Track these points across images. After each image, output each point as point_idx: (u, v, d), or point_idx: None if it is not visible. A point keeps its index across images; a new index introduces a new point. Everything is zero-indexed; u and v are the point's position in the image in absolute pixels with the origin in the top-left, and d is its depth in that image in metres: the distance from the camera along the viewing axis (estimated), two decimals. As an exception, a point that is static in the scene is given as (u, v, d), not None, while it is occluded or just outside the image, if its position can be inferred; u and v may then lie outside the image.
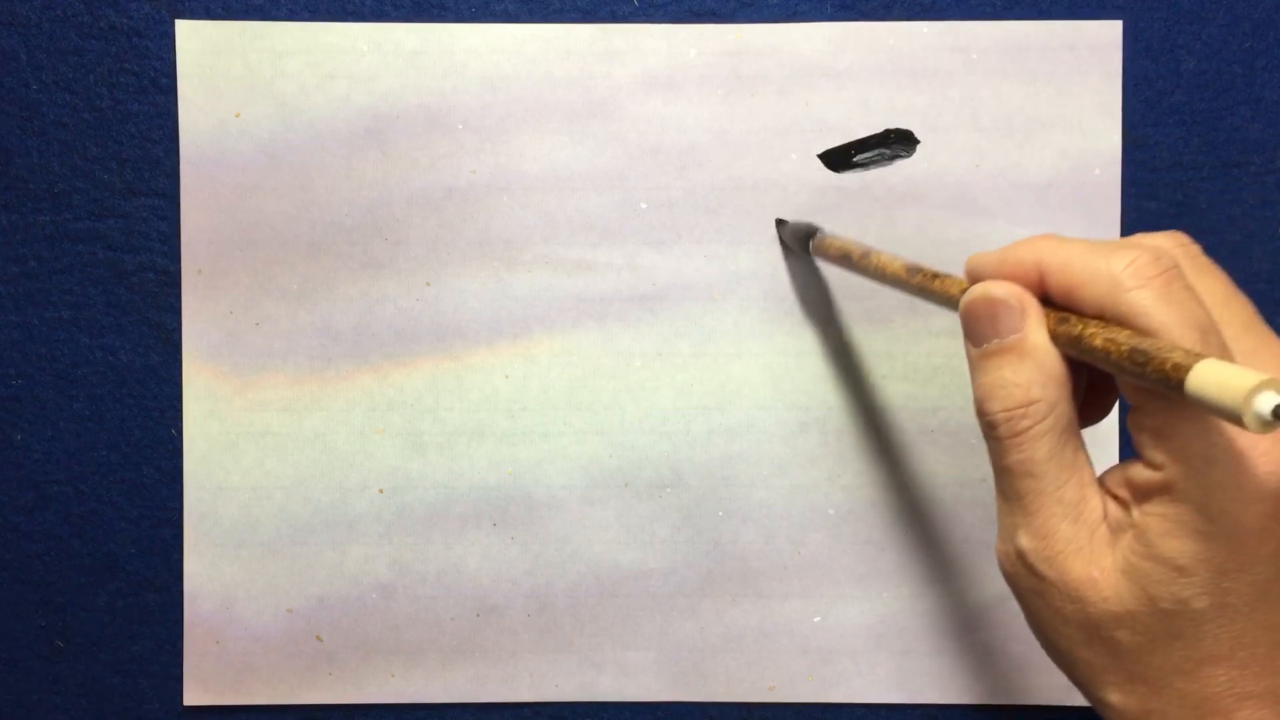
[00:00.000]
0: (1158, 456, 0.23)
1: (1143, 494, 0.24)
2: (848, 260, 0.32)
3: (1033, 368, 0.24)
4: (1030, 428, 0.24)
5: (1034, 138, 0.37)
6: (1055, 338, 0.24)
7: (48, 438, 0.37)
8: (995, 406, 0.25)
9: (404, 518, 0.37)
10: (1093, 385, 0.27)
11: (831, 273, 0.37)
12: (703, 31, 0.37)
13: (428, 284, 0.37)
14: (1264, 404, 0.19)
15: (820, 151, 0.37)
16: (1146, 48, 0.37)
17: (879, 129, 0.37)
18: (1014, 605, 0.37)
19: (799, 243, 0.35)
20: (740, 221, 0.37)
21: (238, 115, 0.37)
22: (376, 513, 0.37)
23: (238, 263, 0.37)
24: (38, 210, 0.37)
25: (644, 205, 0.37)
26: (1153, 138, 0.37)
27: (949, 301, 0.27)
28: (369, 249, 0.37)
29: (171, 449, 0.37)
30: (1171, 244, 0.25)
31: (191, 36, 0.36)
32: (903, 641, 0.37)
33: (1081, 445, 0.25)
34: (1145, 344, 0.22)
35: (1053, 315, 0.25)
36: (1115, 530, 0.24)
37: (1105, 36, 0.37)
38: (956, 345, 0.37)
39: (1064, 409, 0.24)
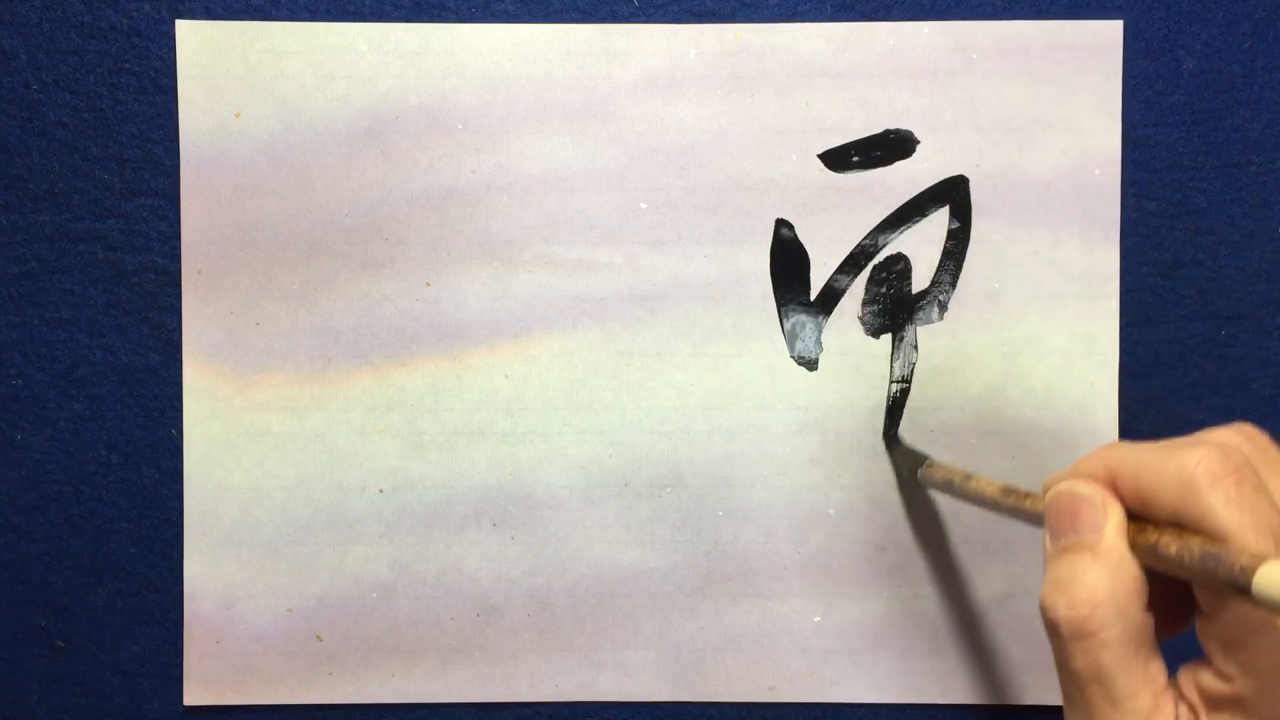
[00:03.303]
0: (1228, 668, 0.23)
1: (1212, 704, 0.23)
2: (951, 486, 0.32)
3: (1105, 569, 0.24)
4: (1096, 632, 0.23)
5: (1034, 138, 0.37)
6: (1134, 547, 0.24)
7: (48, 438, 0.37)
8: (1060, 602, 0.24)
9: (404, 518, 0.37)
10: (1180, 598, 0.26)
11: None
12: (703, 31, 0.37)
13: (428, 284, 0.37)
14: None
15: (820, 151, 0.37)
16: (1146, 48, 0.37)
17: (879, 129, 0.37)
18: (1014, 605, 0.37)
19: (909, 470, 0.36)
20: (740, 221, 0.37)
21: (238, 115, 0.37)
22: (376, 513, 0.37)
23: (238, 263, 0.37)
24: (38, 210, 0.37)
25: (644, 205, 0.37)
26: (1153, 138, 0.37)
27: (1039, 519, 0.27)
28: (369, 249, 0.37)
29: (171, 449, 0.37)
30: (1239, 438, 0.25)
31: (191, 36, 0.36)
32: (903, 641, 0.37)
33: (1156, 652, 0.24)
34: (1216, 549, 0.21)
35: (1133, 525, 0.24)
36: None
37: (1105, 36, 0.37)
38: (955, 345, 0.37)
39: (1135, 617, 0.24)
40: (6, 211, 0.37)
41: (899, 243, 0.37)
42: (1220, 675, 0.23)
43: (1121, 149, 0.37)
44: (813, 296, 0.37)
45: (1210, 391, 0.37)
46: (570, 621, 0.37)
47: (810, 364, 0.37)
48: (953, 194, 0.37)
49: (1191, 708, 0.23)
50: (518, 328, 0.37)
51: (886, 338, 0.37)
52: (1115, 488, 0.25)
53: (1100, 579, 0.24)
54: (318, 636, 0.37)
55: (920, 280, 0.37)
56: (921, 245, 0.37)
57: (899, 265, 0.37)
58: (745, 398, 0.37)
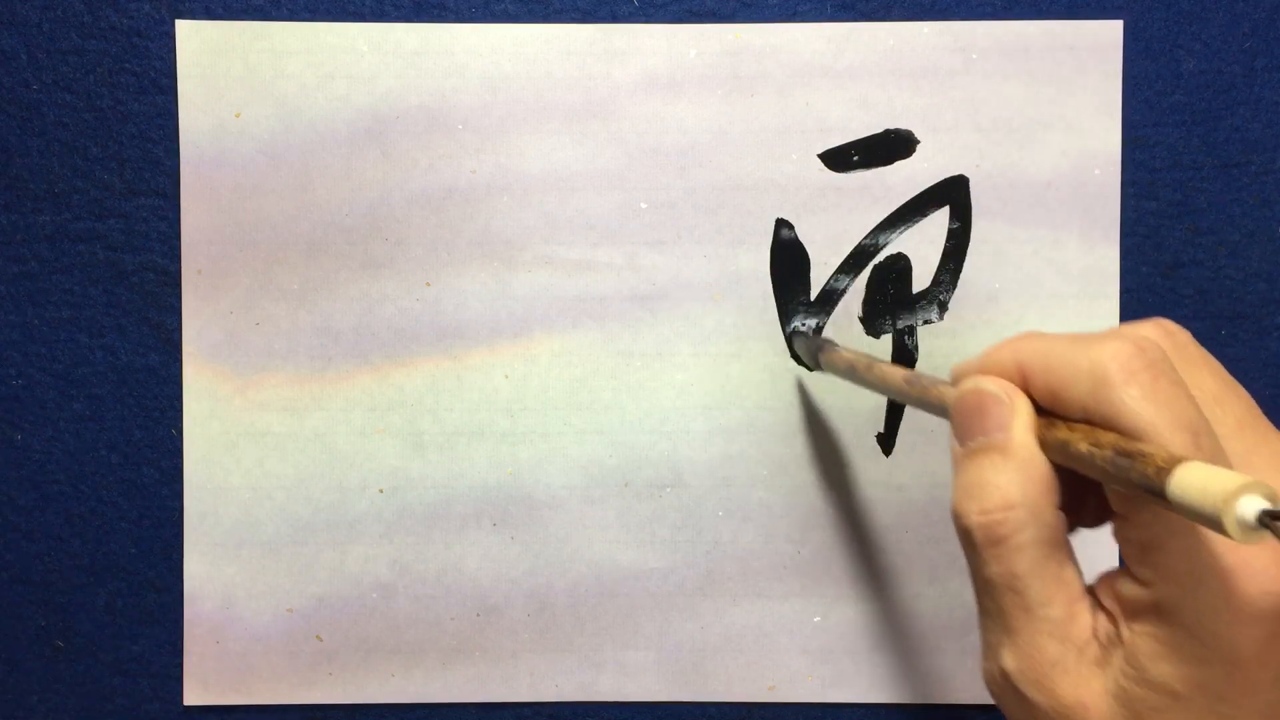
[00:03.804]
0: (1145, 573, 0.21)
1: (1132, 611, 0.22)
2: (853, 372, 0.31)
3: (1016, 469, 0.22)
4: (1009, 536, 0.22)
5: (1034, 138, 0.37)
6: (1044, 444, 0.23)
7: (48, 438, 0.37)
8: (972, 508, 0.23)
9: (404, 518, 0.37)
10: (1097, 493, 0.25)
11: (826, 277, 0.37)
12: (703, 31, 0.37)
13: (428, 284, 0.37)
14: (1246, 508, 0.17)
15: (820, 151, 0.37)
16: (1146, 48, 0.37)
17: (879, 129, 0.37)
18: (1014, 605, 0.37)
19: (810, 356, 0.35)
20: (740, 221, 0.37)
21: (238, 115, 0.37)
22: (376, 513, 0.37)
23: (238, 263, 0.37)
24: (38, 210, 0.37)
25: (644, 205, 0.37)
26: (1153, 138, 0.37)
27: (944, 410, 0.25)
28: (369, 249, 0.37)
29: (171, 449, 0.37)
30: (1158, 333, 0.23)
31: (191, 36, 0.36)
32: (903, 641, 0.37)
33: (1070, 556, 0.23)
34: (1129, 447, 0.20)
35: (1042, 421, 0.23)
36: (1106, 647, 0.22)
37: (1105, 36, 0.37)
38: (955, 345, 0.37)
39: (1048, 518, 0.22)
40: (6, 211, 0.37)
41: (899, 243, 0.37)
42: (1138, 580, 0.22)
43: (1121, 149, 0.37)
44: (813, 296, 0.37)
45: (1210, 391, 0.37)
46: (570, 621, 0.37)
47: (810, 364, 0.37)
48: (953, 194, 0.37)
49: (1111, 617, 0.22)
50: (518, 328, 0.37)
51: (887, 338, 0.37)
52: (1025, 381, 0.23)
53: (1011, 481, 0.22)
54: (318, 636, 0.37)
55: (920, 280, 0.37)
56: (921, 245, 0.37)
57: (899, 265, 0.37)
58: (745, 398, 0.37)
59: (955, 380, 0.25)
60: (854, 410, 0.37)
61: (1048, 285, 0.37)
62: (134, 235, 0.37)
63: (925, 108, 0.37)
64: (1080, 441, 0.21)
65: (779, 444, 0.37)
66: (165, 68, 0.37)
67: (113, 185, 0.37)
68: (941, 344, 0.37)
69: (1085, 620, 0.22)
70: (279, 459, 0.37)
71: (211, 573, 0.37)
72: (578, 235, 0.37)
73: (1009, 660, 0.23)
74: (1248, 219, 0.37)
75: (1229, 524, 0.17)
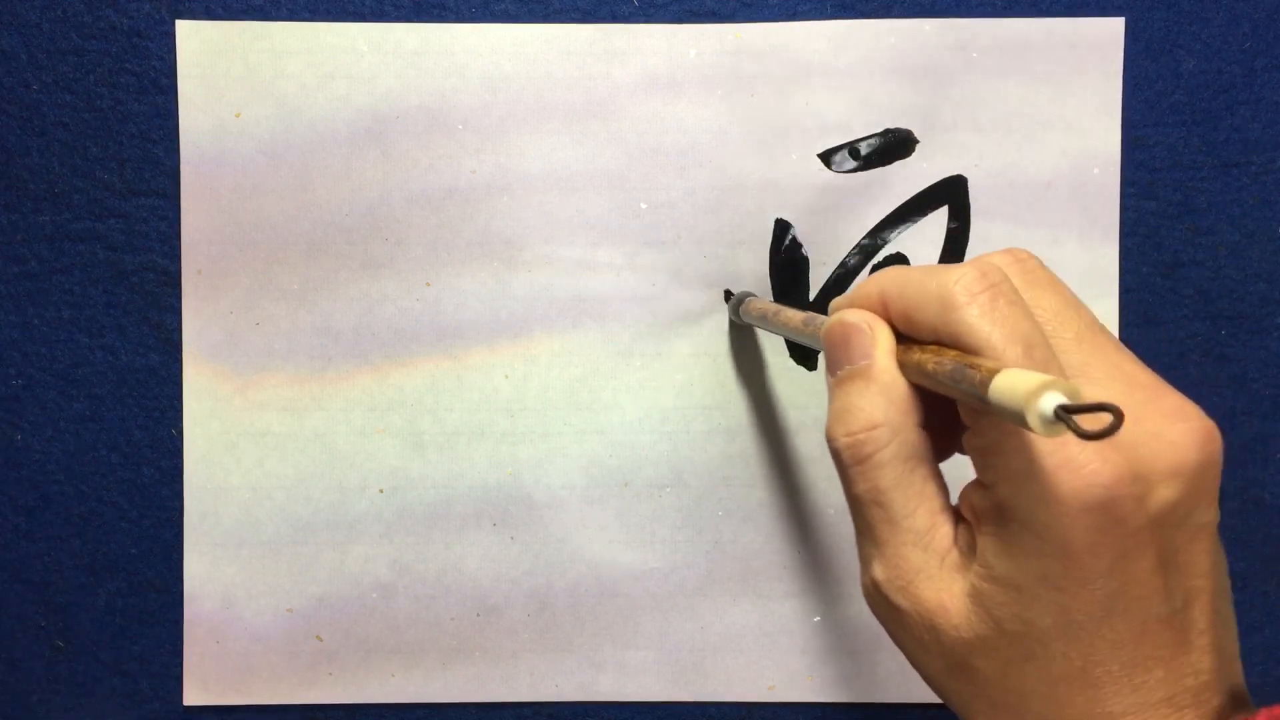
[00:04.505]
0: (989, 476, 0.23)
1: (981, 515, 0.23)
2: (765, 319, 0.32)
3: (878, 392, 0.24)
4: (873, 454, 0.24)
5: (1034, 138, 0.37)
6: (904, 367, 0.25)
7: (48, 438, 0.37)
8: (839, 430, 0.25)
9: (404, 518, 0.37)
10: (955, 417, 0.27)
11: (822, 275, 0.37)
12: (703, 31, 0.37)
13: (428, 284, 0.37)
14: (1046, 404, 0.19)
15: (820, 151, 0.37)
16: (1147, 47, 0.37)
17: (879, 128, 0.37)
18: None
19: (735, 312, 0.36)
20: (740, 221, 0.37)
21: (238, 115, 0.37)
22: (376, 513, 0.37)
23: (238, 263, 0.37)
24: (38, 210, 0.37)
25: (644, 205, 0.37)
26: (1153, 138, 0.37)
27: None
28: (369, 249, 0.37)
29: (171, 449, 0.37)
30: (1006, 260, 0.25)
31: (191, 36, 0.36)
32: (903, 641, 0.37)
33: (934, 473, 0.25)
34: (965, 361, 0.22)
35: (901, 346, 0.25)
36: (966, 554, 0.24)
37: (1106, 35, 0.37)
38: (956, 345, 0.37)
39: (909, 435, 0.24)
40: (6, 211, 0.37)
41: (899, 242, 0.37)
42: (983, 486, 0.23)
43: (1121, 149, 0.37)
44: (813, 296, 0.37)
45: (1210, 391, 0.37)
46: (570, 621, 0.37)
47: (810, 364, 0.37)
48: (952, 194, 0.37)
49: (969, 528, 0.24)
50: (518, 328, 0.37)
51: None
52: (886, 310, 0.25)
53: (874, 404, 0.24)
54: (318, 636, 0.37)
55: (920, 280, 0.37)
56: (921, 245, 0.37)
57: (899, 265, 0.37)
58: (745, 398, 0.37)
59: (831, 315, 0.27)
60: (854, 410, 0.37)
61: (1048, 285, 0.37)
62: (134, 235, 0.37)
63: (925, 107, 0.37)
64: (929, 361, 0.23)
65: (779, 444, 0.37)
66: (165, 68, 0.37)
67: (113, 185, 0.37)
68: (941, 344, 0.37)
69: (946, 530, 0.24)
70: (279, 459, 0.37)
71: (211, 573, 0.37)
72: (578, 235, 0.37)
73: (878, 571, 0.25)
74: (1248, 219, 0.37)
75: (1031, 419, 0.19)
